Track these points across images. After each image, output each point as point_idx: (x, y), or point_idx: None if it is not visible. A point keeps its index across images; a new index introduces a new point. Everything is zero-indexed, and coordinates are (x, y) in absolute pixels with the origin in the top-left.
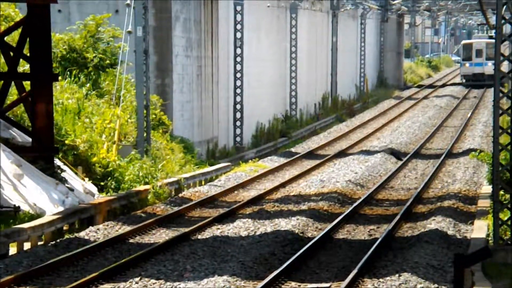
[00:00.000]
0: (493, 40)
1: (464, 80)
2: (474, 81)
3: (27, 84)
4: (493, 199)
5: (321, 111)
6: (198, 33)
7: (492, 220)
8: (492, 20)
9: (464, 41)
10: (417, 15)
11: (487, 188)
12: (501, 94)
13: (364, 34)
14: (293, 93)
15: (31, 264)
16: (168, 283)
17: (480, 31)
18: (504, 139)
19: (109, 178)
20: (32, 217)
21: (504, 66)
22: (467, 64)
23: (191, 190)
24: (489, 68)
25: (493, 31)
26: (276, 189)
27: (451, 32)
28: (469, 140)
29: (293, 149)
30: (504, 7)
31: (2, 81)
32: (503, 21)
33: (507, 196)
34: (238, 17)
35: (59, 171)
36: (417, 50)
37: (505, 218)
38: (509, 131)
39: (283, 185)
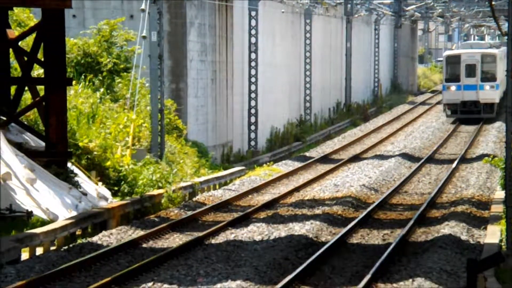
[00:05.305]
0: (491, 50)
1: (448, 112)
2: (463, 113)
3: (41, 89)
4: (506, 204)
5: (335, 115)
6: (213, 38)
7: (505, 225)
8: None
9: (447, 52)
10: (431, 21)
11: (500, 193)
12: None
13: (378, 39)
14: (308, 98)
15: (43, 270)
16: None
17: (477, 36)
18: None
19: (123, 182)
20: (44, 222)
21: None
22: (453, 88)
23: (205, 194)
24: (486, 93)
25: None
26: (290, 193)
27: (464, 38)
28: (483, 146)
29: (307, 154)
30: None
31: (16, 86)
32: None
33: None
34: (253, 23)
35: (72, 175)
36: (431, 56)
37: None
38: None
39: (297, 189)
